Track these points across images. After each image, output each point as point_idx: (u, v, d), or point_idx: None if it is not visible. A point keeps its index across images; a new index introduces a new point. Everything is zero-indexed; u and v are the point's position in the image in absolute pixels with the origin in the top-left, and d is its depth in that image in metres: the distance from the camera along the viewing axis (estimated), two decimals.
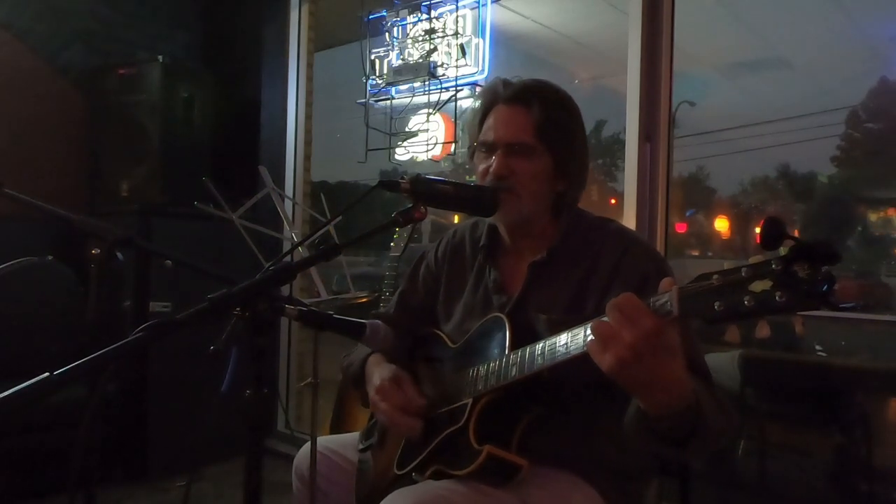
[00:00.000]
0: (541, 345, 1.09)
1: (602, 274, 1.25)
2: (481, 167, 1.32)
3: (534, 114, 1.27)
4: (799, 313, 0.78)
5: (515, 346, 1.16)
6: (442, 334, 1.43)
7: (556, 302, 1.27)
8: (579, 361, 1.00)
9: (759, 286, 0.77)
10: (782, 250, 0.76)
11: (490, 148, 1.31)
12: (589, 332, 0.99)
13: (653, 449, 1.04)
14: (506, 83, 1.33)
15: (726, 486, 2.75)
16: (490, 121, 1.32)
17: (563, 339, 1.04)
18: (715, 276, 0.82)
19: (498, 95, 1.33)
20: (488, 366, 1.19)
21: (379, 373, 1.35)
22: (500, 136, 1.29)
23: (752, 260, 0.79)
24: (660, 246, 2.34)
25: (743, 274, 0.79)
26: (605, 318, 0.89)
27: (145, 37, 3.57)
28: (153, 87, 3.08)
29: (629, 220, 2.32)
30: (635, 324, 0.86)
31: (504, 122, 1.30)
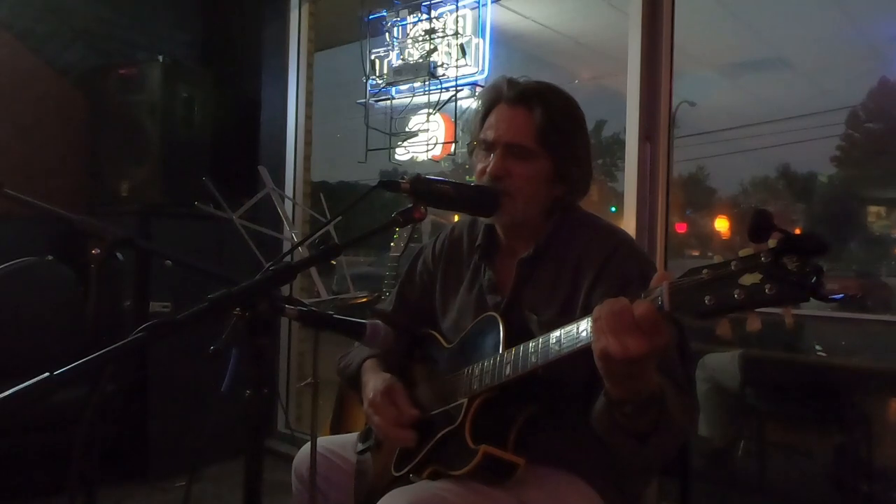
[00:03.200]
0: (534, 343, 1.09)
1: (589, 273, 1.24)
2: (480, 166, 1.31)
3: (536, 117, 1.26)
4: (790, 306, 0.78)
5: (509, 344, 1.16)
6: (437, 335, 1.43)
7: (549, 301, 1.27)
8: (573, 359, 1.00)
9: (748, 279, 0.77)
10: (771, 243, 0.76)
11: (489, 147, 1.30)
12: (582, 328, 0.99)
13: (618, 443, 1.05)
14: (511, 83, 1.32)
15: (726, 486, 2.75)
16: (491, 119, 1.31)
17: (556, 336, 1.04)
18: (705, 270, 0.82)
19: (501, 94, 1.31)
20: (483, 365, 1.19)
21: (373, 384, 1.34)
22: (499, 135, 1.28)
23: (742, 253, 0.79)
24: (660, 246, 2.34)
25: (732, 267, 0.79)
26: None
27: (145, 37, 3.57)
28: (153, 87, 3.07)
29: (629, 220, 2.32)
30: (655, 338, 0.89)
31: (505, 122, 1.29)
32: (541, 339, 1.08)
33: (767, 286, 0.75)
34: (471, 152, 1.38)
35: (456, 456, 1.16)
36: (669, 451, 1.09)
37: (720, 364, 2.80)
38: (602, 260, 1.24)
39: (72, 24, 3.37)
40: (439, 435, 1.22)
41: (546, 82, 1.33)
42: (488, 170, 1.28)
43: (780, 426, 2.79)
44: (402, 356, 1.47)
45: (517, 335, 1.17)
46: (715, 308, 0.80)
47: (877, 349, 2.67)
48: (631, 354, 0.88)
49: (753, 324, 0.79)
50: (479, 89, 2.89)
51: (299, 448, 1.47)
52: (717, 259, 0.82)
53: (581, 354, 0.97)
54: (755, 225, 0.76)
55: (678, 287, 0.84)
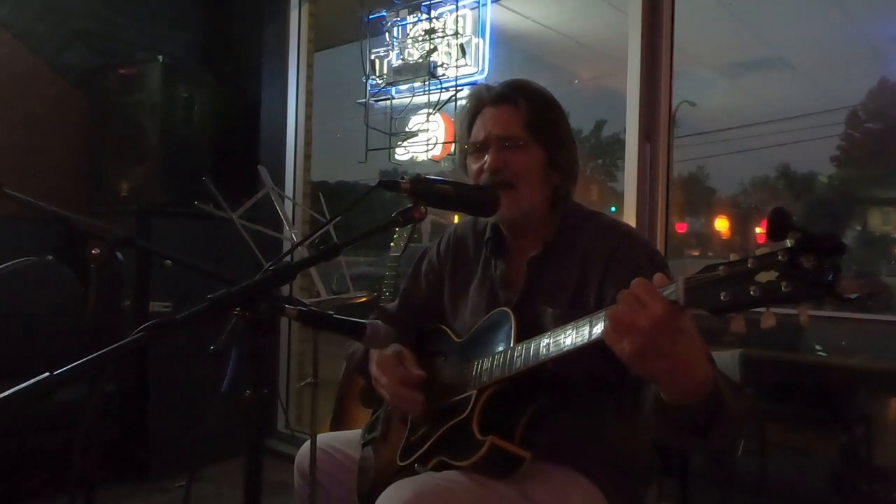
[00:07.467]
0: (546, 337, 1.10)
1: (597, 267, 1.26)
2: (475, 167, 1.34)
3: (521, 110, 1.31)
4: (804, 304, 0.78)
5: (520, 338, 1.17)
6: (447, 329, 1.44)
7: (559, 297, 1.28)
8: (583, 354, 1.01)
9: (764, 277, 0.77)
10: (788, 242, 0.76)
11: (482, 146, 1.34)
12: (595, 324, 0.99)
13: (673, 439, 1.04)
14: (489, 87, 1.39)
15: (726, 486, 2.75)
16: (479, 123, 1.36)
17: (568, 331, 1.05)
18: (721, 267, 0.82)
19: (483, 99, 1.37)
20: (493, 358, 1.20)
21: (380, 351, 1.36)
22: (490, 132, 1.33)
23: (759, 251, 0.79)
24: (660, 246, 2.34)
25: (749, 265, 0.79)
26: (620, 306, 0.89)
27: (145, 37, 3.57)
28: (153, 87, 3.07)
29: (629, 220, 2.32)
30: (650, 308, 0.86)
31: (494, 120, 1.34)
32: (552, 334, 1.09)
33: (783, 284, 0.75)
34: (462, 162, 1.41)
35: (463, 446, 1.17)
36: (729, 441, 1.05)
37: (720, 363, 2.79)
38: (609, 253, 1.26)
39: (72, 24, 3.37)
40: (447, 425, 1.23)
41: (522, 79, 1.40)
42: (486, 165, 1.31)
43: (780, 426, 2.78)
44: (410, 349, 1.48)
45: (528, 330, 1.18)
46: (730, 304, 0.80)
47: (877, 349, 2.67)
48: (643, 345, 0.87)
49: (768, 321, 0.79)
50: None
51: (299, 448, 1.47)
52: (733, 257, 0.82)
53: (591, 350, 0.98)
54: (773, 223, 0.76)
55: (694, 282, 0.85)
